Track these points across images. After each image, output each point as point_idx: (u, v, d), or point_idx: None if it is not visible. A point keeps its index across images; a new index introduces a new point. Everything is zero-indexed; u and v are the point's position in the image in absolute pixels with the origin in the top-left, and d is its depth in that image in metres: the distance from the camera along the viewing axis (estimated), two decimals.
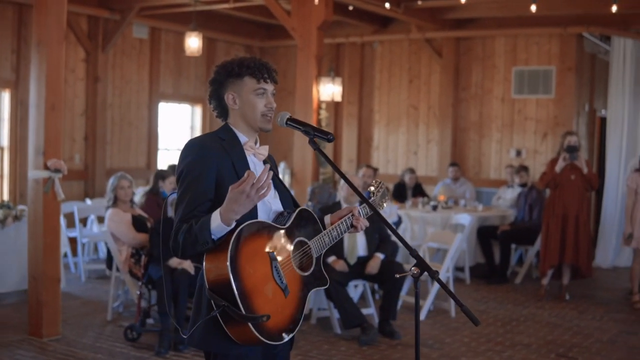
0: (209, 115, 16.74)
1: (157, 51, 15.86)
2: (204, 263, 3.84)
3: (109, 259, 9.59)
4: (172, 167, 11.80)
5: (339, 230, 4.32)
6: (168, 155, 16.28)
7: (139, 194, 11.25)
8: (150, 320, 8.91)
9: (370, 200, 4.51)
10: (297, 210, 4.18)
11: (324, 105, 13.18)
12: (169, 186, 11.15)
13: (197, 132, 16.80)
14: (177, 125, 16.75)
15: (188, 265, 8.41)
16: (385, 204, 4.73)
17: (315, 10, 12.32)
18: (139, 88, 15.56)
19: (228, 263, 3.74)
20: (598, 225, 15.30)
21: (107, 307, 9.68)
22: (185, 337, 4.01)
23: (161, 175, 10.80)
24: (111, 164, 14.85)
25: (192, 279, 8.28)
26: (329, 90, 13.21)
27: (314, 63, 12.37)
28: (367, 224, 4.43)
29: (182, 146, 4.06)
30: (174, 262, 8.43)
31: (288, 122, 4.18)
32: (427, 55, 16.52)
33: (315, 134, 4.13)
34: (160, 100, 16.00)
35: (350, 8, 14.01)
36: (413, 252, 3.82)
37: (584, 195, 11.42)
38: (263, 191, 3.70)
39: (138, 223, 9.28)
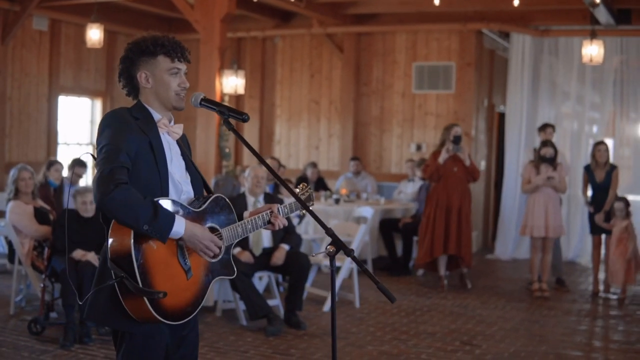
0: (109, 109, 16.43)
1: (57, 43, 15.53)
2: (108, 232, 3.81)
3: (11, 253, 9.37)
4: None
5: (254, 223, 4.31)
6: (68, 150, 15.95)
7: None
8: (53, 314, 8.73)
9: (294, 200, 4.53)
10: (212, 197, 4.17)
11: (226, 98, 13.11)
12: (54, 174, 11.04)
13: (97, 127, 16.48)
14: (77, 119, 16.42)
15: (92, 257, 8.27)
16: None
17: (218, 3, 12.28)
18: (39, 81, 15.21)
19: (132, 234, 3.74)
20: (497, 218, 15.59)
21: (10, 301, 9.42)
22: (80, 303, 3.94)
23: (48, 164, 11.05)
24: (10, 157, 14.47)
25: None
26: (232, 82, 13.14)
27: (217, 55, 12.32)
28: (286, 222, 4.44)
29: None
30: (78, 254, 8.29)
31: (202, 103, 4.16)
32: (329, 51, 16.56)
33: (230, 114, 4.12)
34: (60, 93, 15.68)
35: (255, 0, 13.95)
36: (329, 231, 3.82)
37: (467, 187, 11.63)
38: (212, 254, 4.02)
39: (40, 215, 9.09)
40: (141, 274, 3.71)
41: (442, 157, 11.37)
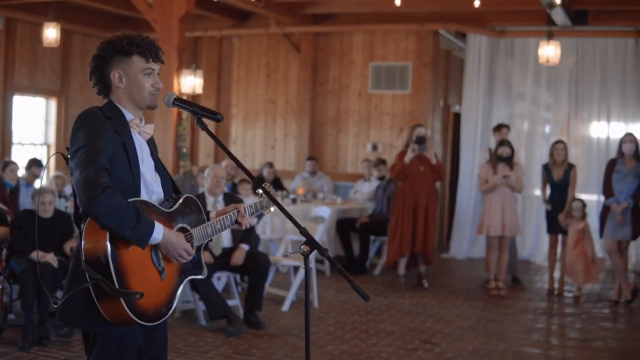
0: (64, 109, 16.35)
1: (13, 42, 15.33)
2: (82, 234, 3.80)
3: None
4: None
5: (222, 223, 4.35)
6: (22, 150, 15.78)
7: None
8: (11, 316, 8.64)
9: (259, 200, 4.56)
10: (182, 197, 4.19)
11: (184, 98, 13.06)
12: (10, 174, 10.94)
13: (52, 127, 16.37)
14: (32, 119, 16.24)
15: (51, 258, 8.21)
16: (272, 208, 4.70)
17: (177, 2, 12.26)
18: None
19: (107, 236, 3.74)
20: (452, 217, 15.71)
21: None
22: (55, 306, 3.94)
23: (3, 164, 10.83)
24: None
25: (56, 272, 8.12)
26: (190, 82, 13.12)
27: (175, 55, 12.31)
28: (252, 222, 4.47)
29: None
30: (37, 255, 8.22)
31: (175, 102, 4.18)
32: (286, 50, 16.58)
33: (203, 113, 4.13)
34: (14, 92, 15.48)
35: None
36: (303, 231, 3.84)
37: (433, 186, 11.77)
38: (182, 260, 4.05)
39: None
40: (117, 275, 3.72)
41: (408, 156, 11.46)
